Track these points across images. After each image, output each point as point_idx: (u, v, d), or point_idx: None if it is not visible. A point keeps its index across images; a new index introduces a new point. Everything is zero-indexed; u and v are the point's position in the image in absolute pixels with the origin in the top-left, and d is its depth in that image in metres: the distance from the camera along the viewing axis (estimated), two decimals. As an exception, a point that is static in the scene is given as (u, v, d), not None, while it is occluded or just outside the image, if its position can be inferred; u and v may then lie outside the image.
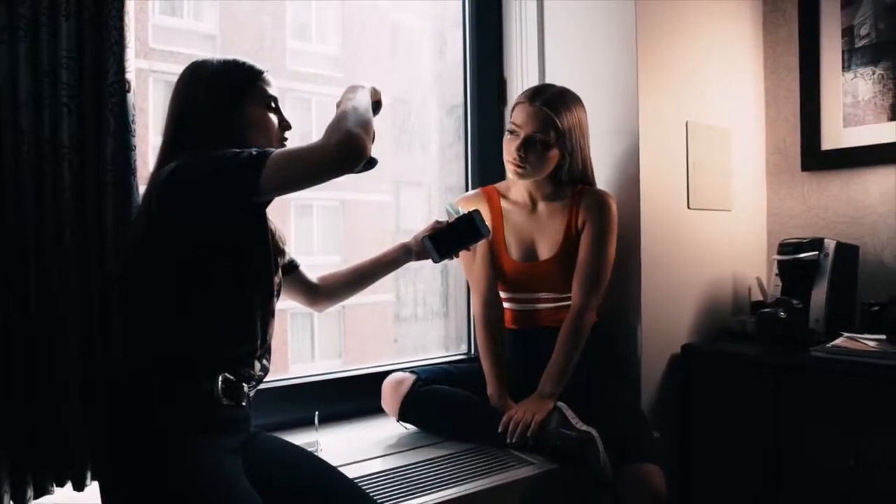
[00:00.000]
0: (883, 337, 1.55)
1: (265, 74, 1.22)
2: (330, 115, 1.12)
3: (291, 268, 1.44)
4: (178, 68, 1.21)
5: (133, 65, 1.20)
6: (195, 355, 1.09)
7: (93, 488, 1.20)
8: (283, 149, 1.07)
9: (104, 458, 1.06)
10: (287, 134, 1.25)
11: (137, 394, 1.07)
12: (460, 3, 2.09)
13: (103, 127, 1.17)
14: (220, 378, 1.10)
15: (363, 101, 1.14)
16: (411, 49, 2.85)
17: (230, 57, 1.21)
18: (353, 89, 1.20)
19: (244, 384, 1.14)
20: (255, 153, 1.02)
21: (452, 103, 2.17)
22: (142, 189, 1.19)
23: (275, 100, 1.22)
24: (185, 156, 1.08)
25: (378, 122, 1.21)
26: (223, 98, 1.15)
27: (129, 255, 1.14)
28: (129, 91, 1.19)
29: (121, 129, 1.18)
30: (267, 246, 1.18)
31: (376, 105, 1.25)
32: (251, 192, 1.01)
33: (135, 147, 1.20)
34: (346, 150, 1.01)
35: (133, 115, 1.20)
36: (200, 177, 1.03)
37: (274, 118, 1.21)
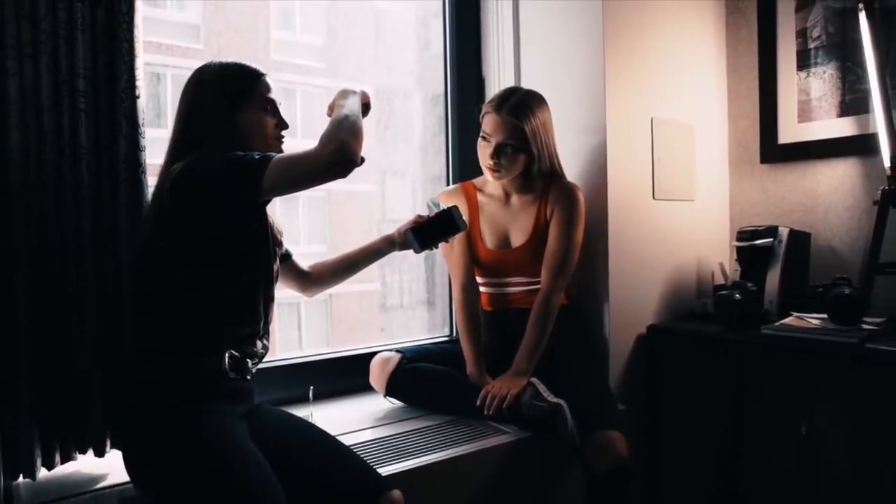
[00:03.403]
0: (825, 316, 1.71)
1: (264, 77, 1.30)
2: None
3: (285, 257, 1.55)
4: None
5: (143, 72, 1.31)
6: (204, 335, 1.22)
7: (112, 455, 1.32)
8: (283, 154, 1.17)
9: (126, 428, 1.18)
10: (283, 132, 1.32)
11: (153, 369, 1.19)
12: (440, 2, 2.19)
13: (116, 129, 1.28)
14: (227, 354, 1.23)
15: (354, 108, 1.24)
16: (395, 39, 2.92)
17: (232, 60, 1.30)
18: (344, 94, 1.30)
19: (248, 360, 1.27)
20: (257, 157, 1.14)
21: (435, 93, 2.25)
22: (152, 182, 1.30)
23: (272, 102, 1.30)
24: (192, 155, 1.20)
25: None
26: (223, 102, 1.25)
27: (141, 245, 1.25)
28: (139, 97, 1.30)
29: (132, 132, 1.29)
30: (267, 238, 1.31)
31: (365, 108, 1.35)
32: (253, 192, 1.13)
33: (145, 147, 1.31)
34: (339, 159, 1.12)
35: (143, 119, 1.31)
36: (207, 176, 1.15)
37: (271, 120, 1.30)
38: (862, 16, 1.85)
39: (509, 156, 1.69)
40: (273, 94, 1.31)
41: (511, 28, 2.13)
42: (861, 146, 1.94)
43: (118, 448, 1.30)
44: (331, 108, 1.32)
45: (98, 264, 1.29)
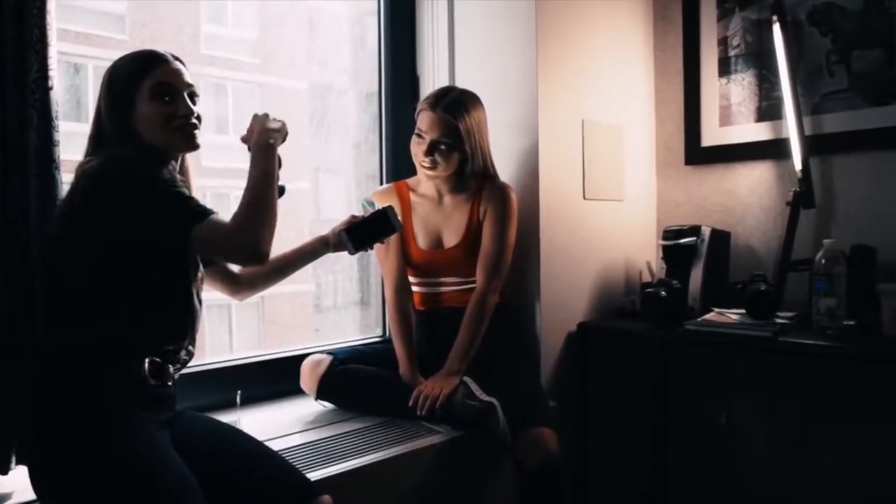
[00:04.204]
0: (743, 311, 1.78)
1: (165, 62, 1.22)
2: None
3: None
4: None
5: (56, 63, 1.24)
6: (121, 340, 1.15)
7: (18, 472, 1.23)
8: (214, 222, 1.11)
9: (35, 441, 1.11)
10: (195, 121, 1.24)
11: (65, 376, 1.12)
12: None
13: (26, 122, 1.20)
14: (147, 360, 1.17)
15: (269, 170, 1.20)
16: (330, 35, 2.88)
17: (137, 50, 1.23)
18: (264, 132, 1.24)
19: (170, 366, 1.22)
20: (198, 209, 1.11)
21: (370, 91, 2.23)
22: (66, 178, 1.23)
23: (167, 87, 1.21)
24: (105, 152, 1.14)
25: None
26: (118, 93, 1.20)
27: (51, 243, 1.18)
28: (52, 88, 1.22)
29: (44, 125, 1.22)
30: (188, 254, 1.24)
31: (283, 138, 1.29)
32: (181, 241, 1.12)
33: (58, 142, 1.24)
34: (251, 254, 1.14)
35: (56, 112, 1.24)
36: (140, 201, 1.10)
37: (163, 109, 1.20)
38: (776, 27, 1.95)
39: (443, 153, 1.69)
40: (172, 80, 1.22)
41: (446, 27, 2.14)
42: (776, 150, 2.04)
43: (24, 463, 1.21)
44: (249, 134, 1.27)
45: (4, 263, 1.21)
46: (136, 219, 1.11)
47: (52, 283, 1.18)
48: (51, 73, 1.23)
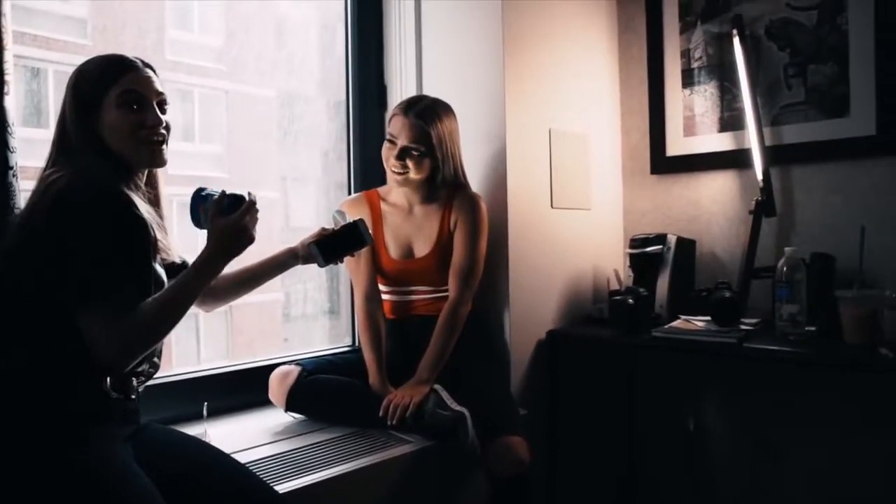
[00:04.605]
0: (708, 318, 1.82)
1: (132, 69, 1.18)
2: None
3: (180, 268, 1.42)
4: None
5: (11, 66, 1.21)
6: (81, 356, 1.10)
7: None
8: (120, 323, 1.07)
9: None
10: (163, 131, 1.20)
11: (26, 388, 1.08)
12: (342, 5, 2.17)
13: (-20, 129, 1.17)
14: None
15: (186, 296, 1.15)
16: (298, 43, 2.86)
17: (103, 54, 1.19)
18: (205, 267, 1.18)
19: (133, 379, 1.19)
20: (114, 305, 1.06)
21: (338, 99, 2.22)
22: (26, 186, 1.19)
23: (135, 96, 1.17)
24: (72, 166, 1.10)
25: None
26: (83, 99, 1.16)
27: (7, 257, 1.12)
28: (7, 94, 1.19)
29: (0, 132, 1.19)
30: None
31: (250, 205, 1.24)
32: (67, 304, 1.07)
33: (14, 149, 1.21)
34: (106, 369, 1.11)
35: (12, 117, 1.21)
36: (82, 253, 1.05)
37: (130, 117, 1.16)
38: (736, 40, 2.00)
39: (414, 158, 1.69)
40: (141, 88, 1.18)
41: (413, 36, 2.14)
42: (738, 160, 2.09)
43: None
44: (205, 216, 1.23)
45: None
46: (87, 249, 1.06)
47: (7, 299, 1.12)
48: (6, 78, 1.20)
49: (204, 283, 1.18)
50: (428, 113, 1.69)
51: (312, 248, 1.49)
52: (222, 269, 1.21)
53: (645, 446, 1.96)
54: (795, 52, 1.99)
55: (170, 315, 1.13)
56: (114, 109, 1.16)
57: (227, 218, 1.20)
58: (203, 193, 1.27)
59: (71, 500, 1.02)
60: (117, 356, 1.08)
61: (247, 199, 1.23)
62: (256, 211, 1.23)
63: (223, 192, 1.23)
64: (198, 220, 1.27)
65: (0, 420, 1.07)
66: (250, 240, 1.21)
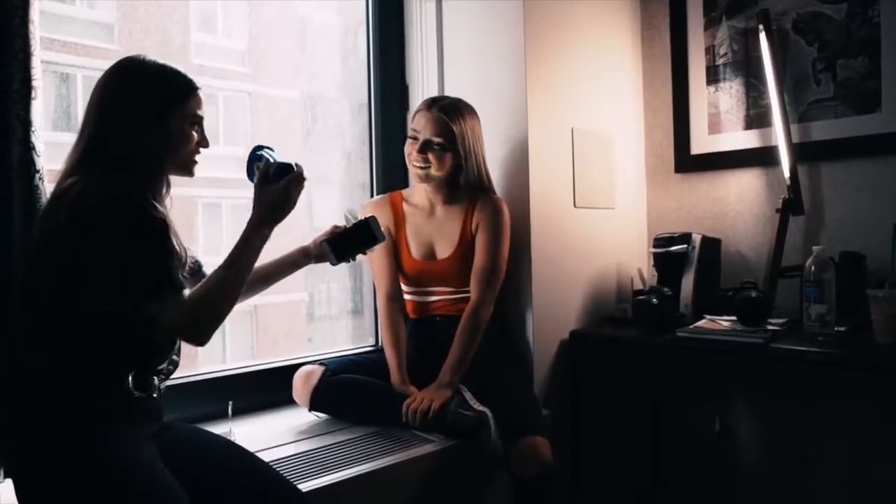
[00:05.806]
0: (734, 318, 1.79)
1: (198, 91, 1.23)
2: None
3: (195, 270, 1.43)
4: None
5: (39, 72, 1.23)
6: (102, 357, 1.13)
7: (4, 485, 1.22)
8: (179, 304, 1.17)
9: (20, 453, 1.09)
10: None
11: (51, 389, 1.10)
12: (364, 7, 2.17)
13: (9, 133, 1.19)
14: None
15: (243, 265, 1.21)
16: (321, 46, 2.88)
17: (166, 63, 1.21)
18: (254, 234, 1.22)
19: (154, 377, 1.20)
20: (178, 287, 1.15)
21: (361, 101, 2.23)
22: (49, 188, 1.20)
23: (200, 119, 1.24)
24: (99, 172, 1.11)
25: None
26: (152, 109, 1.17)
27: (32, 257, 1.14)
28: (34, 98, 1.22)
29: (27, 135, 1.21)
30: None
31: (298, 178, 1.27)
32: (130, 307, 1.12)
33: (41, 152, 1.23)
34: (193, 344, 1.19)
35: (38, 122, 1.23)
36: (116, 258, 1.09)
37: (195, 136, 1.23)
38: (762, 36, 1.96)
39: (436, 152, 1.70)
40: (202, 110, 1.24)
41: (435, 37, 2.15)
42: (764, 157, 2.06)
43: (10, 476, 1.19)
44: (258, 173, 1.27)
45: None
46: (114, 259, 1.09)
47: (31, 302, 1.14)
48: (34, 84, 1.22)
49: (255, 247, 1.22)
50: (451, 108, 1.71)
51: (324, 247, 1.50)
52: (268, 234, 1.24)
53: (668, 447, 1.93)
54: (824, 46, 1.95)
55: (230, 283, 1.19)
56: (184, 127, 1.21)
57: (272, 185, 1.24)
58: (258, 152, 1.32)
59: (98, 496, 1.04)
60: (195, 332, 1.17)
61: (294, 169, 1.27)
62: (303, 180, 1.27)
63: (268, 160, 1.29)
64: (252, 175, 1.33)
65: (27, 421, 1.09)
66: (292, 206, 1.26)
